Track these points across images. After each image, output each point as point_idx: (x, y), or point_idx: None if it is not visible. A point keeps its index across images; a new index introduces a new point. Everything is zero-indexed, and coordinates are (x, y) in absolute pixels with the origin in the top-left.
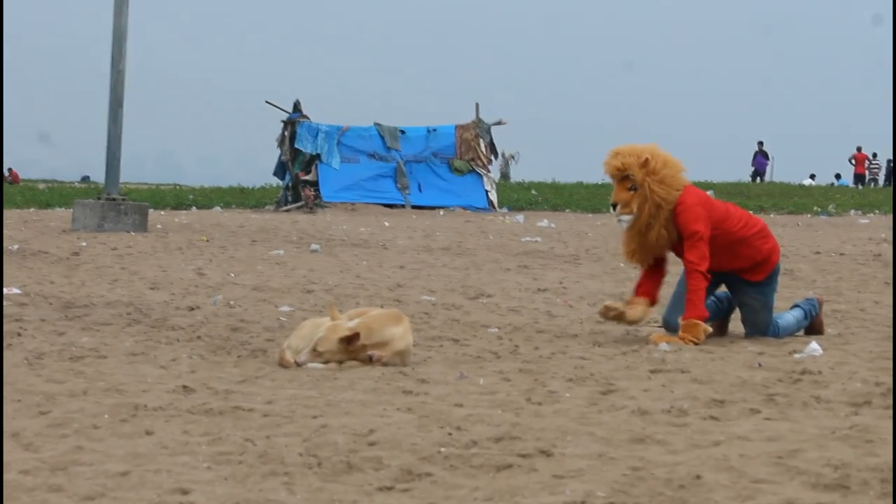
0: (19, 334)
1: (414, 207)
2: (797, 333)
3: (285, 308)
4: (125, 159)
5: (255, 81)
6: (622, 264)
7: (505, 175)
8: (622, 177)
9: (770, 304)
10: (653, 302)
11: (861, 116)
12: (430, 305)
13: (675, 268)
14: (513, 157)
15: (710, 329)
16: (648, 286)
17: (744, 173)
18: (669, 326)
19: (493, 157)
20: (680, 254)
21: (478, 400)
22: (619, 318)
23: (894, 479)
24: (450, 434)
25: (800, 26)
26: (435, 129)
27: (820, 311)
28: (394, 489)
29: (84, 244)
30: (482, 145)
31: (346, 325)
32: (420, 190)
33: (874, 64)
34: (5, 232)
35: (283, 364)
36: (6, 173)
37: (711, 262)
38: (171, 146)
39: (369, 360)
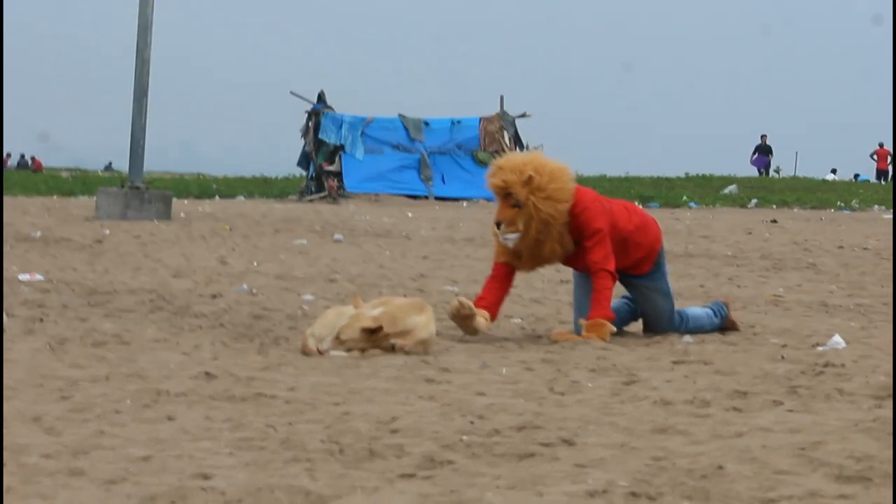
0: (42, 320)
1: (437, 199)
2: (710, 331)
3: (308, 297)
4: (148, 148)
5: (279, 72)
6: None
7: None
8: (505, 194)
9: (664, 288)
10: (494, 318)
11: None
12: (452, 295)
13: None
14: (537, 149)
15: (615, 330)
16: (493, 297)
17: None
18: (578, 331)
19: (517, 150)
20: (573, 263)
21: (500, 389)
22: (467, 320)
23: None
24: (472, 422)
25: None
26: (459, 121)
27: (729, 312)
28: (415, 476)
29: (107, 232)
30: (506, 137)
31: (370, 313)
32: (444, 181)
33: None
34: (28, 219)
35: (305, 352)
36: (29, 161)
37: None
38: (195, 135)
39: (392, 349)
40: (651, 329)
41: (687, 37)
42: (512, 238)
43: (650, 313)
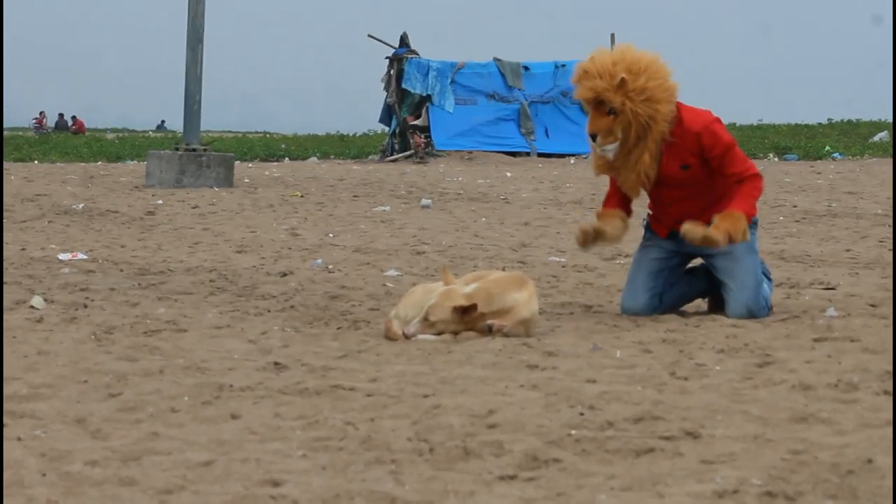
0: (86, 306)
1: (540, 155)
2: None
3: (392, 272)
4: (206, 104)
5: (355, 12)
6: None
7: None
8: (597, 102)
9: (754, 245)
10: (628, 214)
11: None
12: (558, 267)
13: (629, 246)
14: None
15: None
16: (619, 198)
17: None
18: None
19: None
20: (662, 193)
21: (614, 375)
22: (599, 237)
23: None
24: (581, 414)
25: None
26: (564, 65)
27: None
28: (517, 478)
29: (160, 202)
30: None
31: (462, 290)
32: (547, 135)
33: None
34: (69, 188)
35: (389, 336)
36: (69, 121)
37: (681, 208)
38: (259, 88)
39: (488, 331)
40: (732, 304)
41: None
42: (611, 149)
43: (737, 277)
